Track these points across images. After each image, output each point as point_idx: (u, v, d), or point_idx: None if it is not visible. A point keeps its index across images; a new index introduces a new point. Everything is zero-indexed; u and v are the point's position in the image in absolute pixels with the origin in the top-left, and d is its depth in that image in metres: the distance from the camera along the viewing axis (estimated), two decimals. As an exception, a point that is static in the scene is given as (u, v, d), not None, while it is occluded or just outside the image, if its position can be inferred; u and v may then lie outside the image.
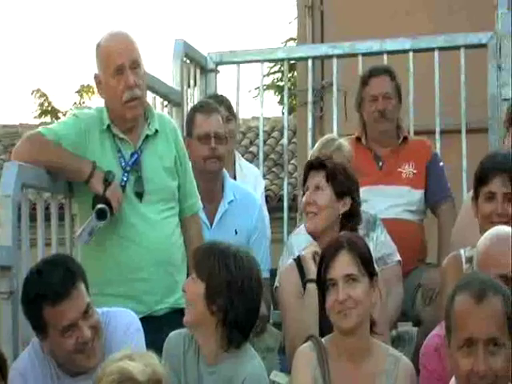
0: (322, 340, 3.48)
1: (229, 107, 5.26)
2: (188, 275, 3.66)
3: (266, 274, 4.67)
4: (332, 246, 3.49)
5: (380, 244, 4.47)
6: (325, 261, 3.44)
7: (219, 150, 4.61)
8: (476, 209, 3.83)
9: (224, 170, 4.78)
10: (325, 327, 3.59)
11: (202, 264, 3.44)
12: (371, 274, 3.45)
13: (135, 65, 4.02)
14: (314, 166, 4.04)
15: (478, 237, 3.73)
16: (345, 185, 4.02)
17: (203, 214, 4.46)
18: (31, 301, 3.36)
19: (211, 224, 4.62)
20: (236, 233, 4.63)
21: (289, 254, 4.51)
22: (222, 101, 5.21)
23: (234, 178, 5.07)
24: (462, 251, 3.90)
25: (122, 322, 3.50)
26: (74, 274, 3.36)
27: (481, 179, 3.80)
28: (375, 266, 3.55)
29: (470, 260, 3.83)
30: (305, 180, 4.07)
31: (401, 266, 4.50)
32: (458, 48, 5.77)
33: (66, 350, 3.34)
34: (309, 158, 4.53)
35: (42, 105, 23.32)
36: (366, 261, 3.44)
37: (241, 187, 4.89)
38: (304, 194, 4.07)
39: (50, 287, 3.30)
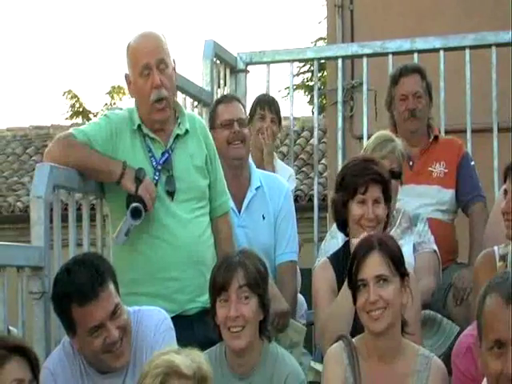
0: (353, 340, 3.47)
1: (277, 111, 5.38)
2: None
3: (292, 257, 4.66)
4: (363, 246, 3.47)
5: (424, 232, 4.52)
6: (356, 261, 3.43)
7: (242, 133, 4.61)
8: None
9: (250, 159, 4.78)
10: (359, 325, 3.58)
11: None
12: (402, 274, 3.44)
13: (162, 64, 4.02)
14: (375, 180, 3.99)
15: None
16: (390, 194, 4.07)
17: (231, 202, 4.44)
18: (60, 299, 3.38)
19: (239, 211, 4.61)
20: (264, 218, 4.63)
21: (332, 237, 4.51)
22: (271, 102, 5.37)
23: None
24: (495, 248, 3.88)
25: (154, 320, 3.51)
26: (102, 275, 3.36)
27: (503, 175, 3.79)
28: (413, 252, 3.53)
29: (503, 257, 3.82)
30: (355, 190, 3.99)
31: (438, 257, 4.49)
32: (488, 46, 5.74)
33: (94, 349, 3.35)
34: (362, 152, 4.48)
35: (73, 106, 23.47)
36: (396, 261, 3.43)
37: (267, 173, 4.89)
38: (347, 199, 4.00)
39: (77, 288, 3.31)
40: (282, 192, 4.72)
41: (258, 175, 4.71)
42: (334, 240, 4.39)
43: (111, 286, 3.38)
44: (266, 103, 5.40)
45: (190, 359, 2.99)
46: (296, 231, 4.75)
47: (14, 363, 2.99)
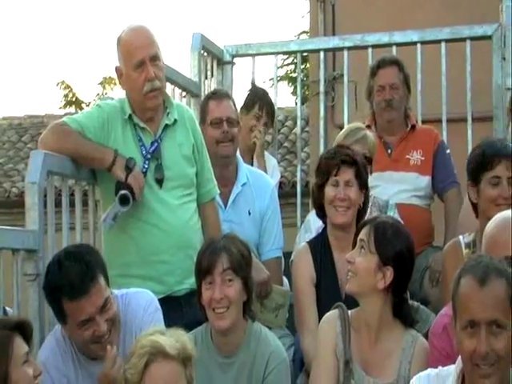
0: (348, 312, 3.52)
1: (273, 115, 5.43)
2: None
3: (279, 253, 4.71)
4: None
5: None
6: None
7: (231, 133, 4.61)
8: (475, 194, 3.82)
9: (238, 154, 4.78)
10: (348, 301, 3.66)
11: None
12: (385, 261, 3.46)
13: (155, 58, 4.02)
14: (347, 161, 4.05)
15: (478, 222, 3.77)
16: (365, 179, 4.11)
17: (218, 197, 4.46)
18: (51, 292, 3.37)
19: (225, 206, 4.62)
20: (249, 214, 4.64)
21: (306, 230, 4.55)
22: (270, 106, 5.40)
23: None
24: (460, 237, 3.91)
25: (142, 302, 3.52)
26: (93, 270, 3.33)
27: (484, 165, 3.79)
28: None
29: (469, 245, 3.84)
30: (328, 172, 4.06)
31: None
32: (463, 40, 5.74)
33: (83, 339, 3.36)
34: (334, 144, 4.52)
35: (66, 96, 23.38)
36: (378, 242, 3.47)
37: (254, 171, 4.90)
38: (323, 183, 4.07)
39: (68, 283, 3.29)
40: (268, 190, 4.73)
41: (244, 171, 4.71)
42: (308, 234, 4.41)
43: (101, 281, 3.35)
44: (266, 105, 5.39)
45: (174, 340, 3.00)
46: (281, 228, 4.76)
47: (19, 339, 3.03)
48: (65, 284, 3.30)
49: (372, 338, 3.48)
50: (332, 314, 3.54)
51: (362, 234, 3.51)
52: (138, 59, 3.98)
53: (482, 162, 3.81)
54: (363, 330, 3.49)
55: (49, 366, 3.38)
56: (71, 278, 3.29)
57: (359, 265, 3.47)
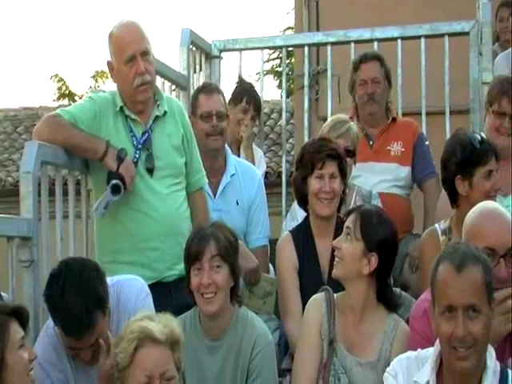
0: (334, 295, 3.54)
1: (259, 109, 5.42)
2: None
3: (265, 241, 4.71)
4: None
5: None
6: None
7: (220, 127, 4.61)
8: (467, 187, 3.80)
9: (226, 146, 4.77)
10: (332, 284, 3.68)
11: None
12: (370, 248, 3.47)
13: (145, 53, 4.01)
14: (332, 155, 4.05)
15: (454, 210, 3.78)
16: (346, 171, 4.13)
17: (207, 187, 4.46)
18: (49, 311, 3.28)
19: (214, 195, 4.61)
20: (237, 203, 4.63)
21: (292, 218, 4.55)
22: (257, 100, 5.38)
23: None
24: (436, 225, 3.92)
25: (133, 289, 3.50)
26: (92, 314, 3.17)
27: (478, 160, 3.80)
28: None
29: (445, 232, 3.85)
30: (312, 165, 4.06)
31: None
32: (442, 36, 5.75)
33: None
34: (319, 135, 4.52)
35: (60, 89, 23.27)
36: (364, 229, 3.48)
37: (242, 162, 4.89)
38: (306, 175, 4.06)
39: (66, 324, 3.20)
40: (255, 181, 4.73)
41: (233, 163, 4.71)
42: (295, 222, 4.41)
43: (100, 322, 3.21)
44: (253, 99, 5.38)
45: (162, 325, 3.00)
46: (267, 217, 4.76)
47: (15, 324, 3.02)
48: (63, 323, 3.21)
49: (356, 320, 3.50)
50: (318, 297, 3.56)
51: (349, 222, 3.52)
52: (129, 54, 3.96)
53: (475, 157, 3.80)
54: (348, 312, 3.51)
55: (44, 364, 3.32)
56: (70, 321, 3.18)
57: (345, 251, 3.49)
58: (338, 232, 3.85)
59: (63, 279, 3.21)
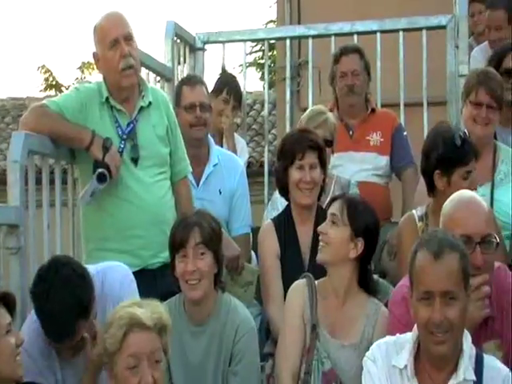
0: (315, 281, 3.53)
1: (240, 99, 5.39)
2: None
3: (247, 230, 4.70)
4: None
5: None
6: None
7: (204, 118, 4.60)
8: (445, 183, 3.78)
9: (210, 136, 4.76)
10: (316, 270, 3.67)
11: None
12: (356, 233, 3.47)
13: (128, 38, 3.99)
14: (312, 146, 4.04)
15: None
16: (326, 161, 4.13)
17: (191, 176, 4.45)
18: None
19: (198, 184, 4.60)
20: (220, 192, 4.63)
21: (273, 207, 4.54)
22: (237, 91, 5.36)
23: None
24: (414, 211, 3.92)
25: (118, 276, 3.48)
26: (73, 323, 3.13)
27: (459, 160, 3.78)
28: None
29: (421, 218, 3.85)
30: (293, 155, 4.05)
31: None
32: (420, 29, 5.76)
33: None
34: (297, 127, 4.51)
35: (47, 80, 23.10)
36: (351, 216, 3.49)
37: (225, 152, 4.89)
38: (287, 166, 4.05)
39: (48, 329, 3.17)
40: (238, 171, 4.71)
41: (216, 153, 4.69)
42: (275, 211, 4.40)
43: (82, 328, 3.17)
44: (233, 89, 5.37)
45: (150, 311, 2.99)
46: (249, 205, 4.75)
47: (2, 310, 3.00)
48: (45, 326, 3.17)
49: (339, 304, 3.50)
50: (300, 283, 3.55)
51: (334, 209, 3.52)
52: (113, 37, 3.95)
53: (457, 157, 3.79)
54: (330, 296, 3.51)
55: (31, 351, 3.26)
56: (52, 327, 3.15)
57: (333, 236, 3.49)
58: (318, 220, 3.86)
59: (49, 283, 3.15)
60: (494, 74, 4.39)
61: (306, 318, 3.47)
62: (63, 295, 3.11)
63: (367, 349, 3.13)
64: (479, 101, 4.26)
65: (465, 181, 3.78)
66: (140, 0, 40.81)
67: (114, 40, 3.94)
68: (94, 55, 4.06)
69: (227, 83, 5.40)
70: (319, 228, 3.57)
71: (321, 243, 3.53)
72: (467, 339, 2.86)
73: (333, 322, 3.48)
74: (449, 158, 3.78)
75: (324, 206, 3.89)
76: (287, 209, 4.16)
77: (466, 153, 3.80)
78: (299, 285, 3.55)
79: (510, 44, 5.06)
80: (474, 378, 2.81)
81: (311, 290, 3.50)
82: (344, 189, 4.44)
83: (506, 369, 2.86)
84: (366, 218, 3.52)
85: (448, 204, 3.23)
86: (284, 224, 4.10)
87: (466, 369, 2.81)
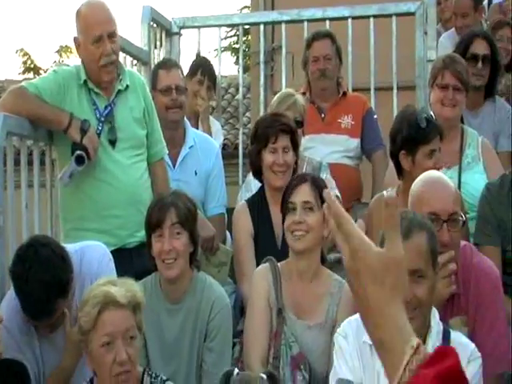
0: (278, 264, 3.50)
1: (214, 79, 5.35)
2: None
3: (222, 210, 4.69)
4: (297, 178, 3.56)
5: (327, 180, 4.44)
6: (289, 188, 3.51)
7: (179, 101, 4.59)
8: (410, 163, 3.79)
9: (185, 119, 4.74)
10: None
11: None
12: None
13: (112, 35, 3.95)
14: (285, 130, 4.02)
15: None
16: (298, 144, 4.13)
17: (167, 157, 4.42)
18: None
19: (174, 166, 4.58)
20: (196, 174, 4.60)
21: (247, 190, 4.54)
22: (211, 71, 5.33)
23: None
24: (384, 192, 3.91)
25: (95, 254, 3.45)
26: (53, 301, 3.09)
27: (422, 139, 3.78)
28: None
29: (391, 199, 3.84)
30: (266, 139, 4.03)
31: (340, 201, 4.51)
32: (389, 16, 5.75)
33: None
34: (268, 110, 4.50)
35: (25, 63, 22.81)
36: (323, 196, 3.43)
37: (200, 134, 4.86)
38: (260, 149, 4.03)
39: (28, 307, 3.13)
40: (213, 153, 4.69)
41: (192, 135, 4.67)
42: (249, 193, 4.39)
43: (60, 306, 3.14)
44: (207, 70, 5.33)
45: (124, 289, 2.97)
46: (224, 186, 4.73)
47: None
48: (24, 305, 3.13)
49: (304, 285, 3.47)
50: (263, 267, 3.51)
51: (305, 196, 3.46)
52: (97, 34, 3.90)
53: (419, 136, 3.79)
54: (295, 278, 3.47)
55: (10, 328, 3.23)
56: (30, 306, 3.11)
57: (312, 222, 3.43)
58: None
59: (29, 263, 3.09)
60: (459, 59, 4.41)
61: (271, 303, 3.44)
62: (42, 276, 3.07)
63: (332, 328, 3.12)
64: (445, 83, 4.27)
65: (429, 160, 3.78)
66: (117, -15, 40.46)
67: (98, 37, 3.90)
68: (75, 40, 4.00)
69: (201, 65, 5.38)
70: (295, 219, 3.47)
71: (299, 233, 3.45)
72: (435, 316, 2.87)
73: (298, 304, 3.45)
74: (412, 138, 3.79)
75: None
76: (261, 190, 4.15)
77: (429, 131, 3.80)
78: (262, 270, 3.51)
79: (476, 30, 5.09)
80: (441, 352, 2.81)
81: (275, 274, 3.45)
82: (315, 170, 4.43)
83: (471, 344, 2.87)
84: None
85: (416, 184, 3.24)
86: (258, 205, 4.09)
87: (433, 344, 2.82)
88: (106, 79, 3.97)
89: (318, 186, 3.47)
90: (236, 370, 3.19)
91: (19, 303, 3.17)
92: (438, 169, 3.74)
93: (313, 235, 3.44)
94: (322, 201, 3.45)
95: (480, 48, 4.78)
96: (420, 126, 3.78)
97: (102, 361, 2.92)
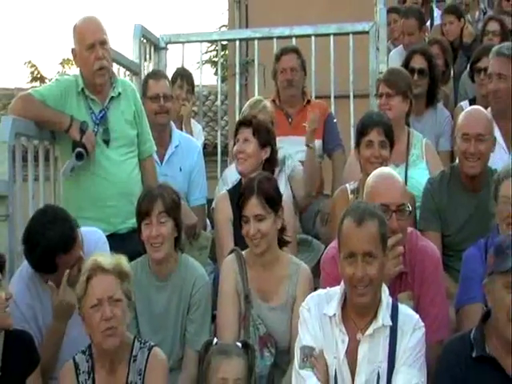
0: (243, 252, 3.47)
1: (192, 83, 5.37)
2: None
3: (203, 201, 4.68)
4: (246, 189, 3.44)
5: (292, 165, 4.48)
6: (241, 200, 3.43)
7: (166, 106, 4.61)
8: (358, 154, 3.85)
9: (171, 122, 4.73)
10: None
11: None
12: (277, 209, 3.42)
13: (103, 43, 3.95)
14: (244, 122, 4.03)
15: (361, 174, 3.78)
16: (266, 138, 4.04)
17: (156, 155, 4.42)
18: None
19: (161, 162, 4.58)
20: (180, 170, 4.61)
21: (223, 183, 4.52)
22: (189, 77, 5.35)
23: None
24: (347, 185, 3.92)
25: (93, 237, 3.46)
26: (72, 231, 3.23)
27: (362, 131, 3.83)
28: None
29: (353, 191, 3.87)
30: (236, 133, 4.06)
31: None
32: (347, 34, 5.77)
33: None
34: (239, 116, 4.49)
35: (32, 73, 22.66)
36: (271, 201, 3.40)
37: (184, 135, 4.87)
38: (235, 143, 4.06)
39: (58, 244, 3.17)
40: (195, 151, 4.69)
41: (177, 136, 4.68)
42: (225, 186, 4.37)
43: (77, 242, 3.23)
44: (186, 77, 5.36)
45: (110, 258, 3.00)
46: (205, 180, 4.72)
47: None
48: (51, 244, 3.16)
49: (267, 271, 3.42)
50: (230, 257, 3.46)
51: (255, 210, 3.35)
52: (90, 42, 3.91)
53: (360, 129, 3.87)
54: (258, 266, 3.42)
55: (18, 302, 3.22)
56: (55, 240, 3.16)
57: (266, 229, 3.35)
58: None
59: (42, 218, 3.22)
60: (398, 71, 4.57)
61: (239, 289, 3.39)
62: (55, 222, 3.18)
63: (292, 306, 3.09)
64: (380, 92, 4.43)
65: (367, 149, 3.80)
66: (112, 4, 40.18)
67: (91, 44, 3.90)
68: (73, 51, 4.01)
69: (180, 73, 5.42)
70: (251, 232, 3.35)
71: (256, 241, 3.34)
72: (385, 291, 2.88)
73: (262, 288, 3.40)
74: (357, 131, 3.89)
75: None
76: (240, 182, 4.11)
77: (366, 124, 3.84)
78: (229, 260, 3.45)
79: (416, 47, 5.18)
80: (390, 323, 2.83)
81: (240, 263, 3.41)
82: (280, 165, 4.43)
83: (416, 315, 2.89)
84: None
85: (370, 178, 3.25)
86: (237, 194, 4.04)
87: (384, 316, 2.83)
88: (98, 82, 3.96)
89: (265, 193, 3.38)
90: (215, 340, 3.18)
91: (27, 258, 3.18)
92: (377, 158, 3.75)
93: (268, 238, 3.38)
94: (270, 205, 3.39)
95: (417, 62, 4.95)
96: (362, 122, 3.86)
97: (92, 321, 2.92)
